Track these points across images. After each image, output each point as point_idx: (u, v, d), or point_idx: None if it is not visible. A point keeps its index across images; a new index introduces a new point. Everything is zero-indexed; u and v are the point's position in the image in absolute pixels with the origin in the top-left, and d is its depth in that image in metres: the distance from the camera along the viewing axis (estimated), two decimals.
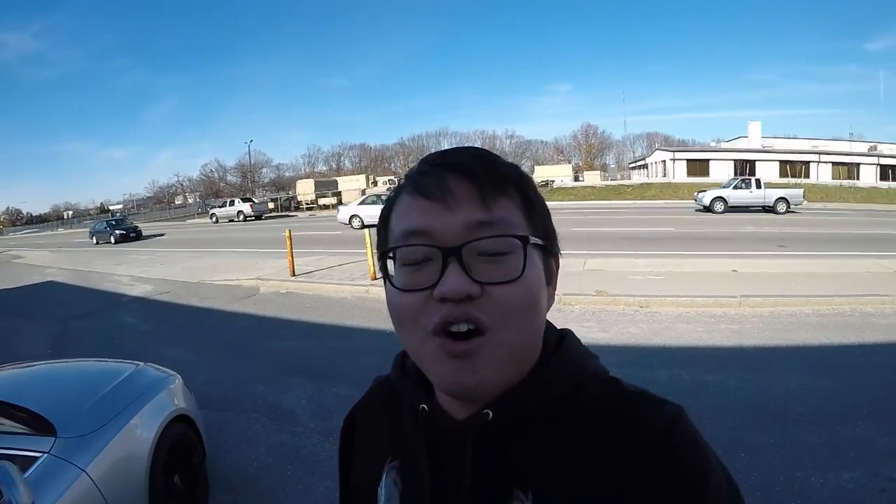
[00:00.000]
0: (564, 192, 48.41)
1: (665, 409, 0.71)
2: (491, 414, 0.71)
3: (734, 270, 10.86)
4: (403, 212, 0.73)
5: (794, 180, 48.37)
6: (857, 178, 51.04)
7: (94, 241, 36.19)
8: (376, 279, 11.22)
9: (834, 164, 53.25)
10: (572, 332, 0.82)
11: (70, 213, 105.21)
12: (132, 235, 35.06)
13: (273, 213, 52.13)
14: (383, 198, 24.40)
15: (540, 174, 65.09)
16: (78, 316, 11.03)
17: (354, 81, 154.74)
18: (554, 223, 0.80)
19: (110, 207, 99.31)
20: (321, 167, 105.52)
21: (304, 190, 59.23)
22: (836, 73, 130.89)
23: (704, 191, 31.74)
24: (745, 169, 53.57)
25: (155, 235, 36.52)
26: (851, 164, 53.23)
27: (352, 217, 26.12)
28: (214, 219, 47.07)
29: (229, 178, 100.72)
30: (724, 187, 30.54)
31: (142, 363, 4.12)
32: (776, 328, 7.38)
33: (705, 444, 0.70)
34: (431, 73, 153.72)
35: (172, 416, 3.57)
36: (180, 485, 3.55)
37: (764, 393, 5.34)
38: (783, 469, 3.95)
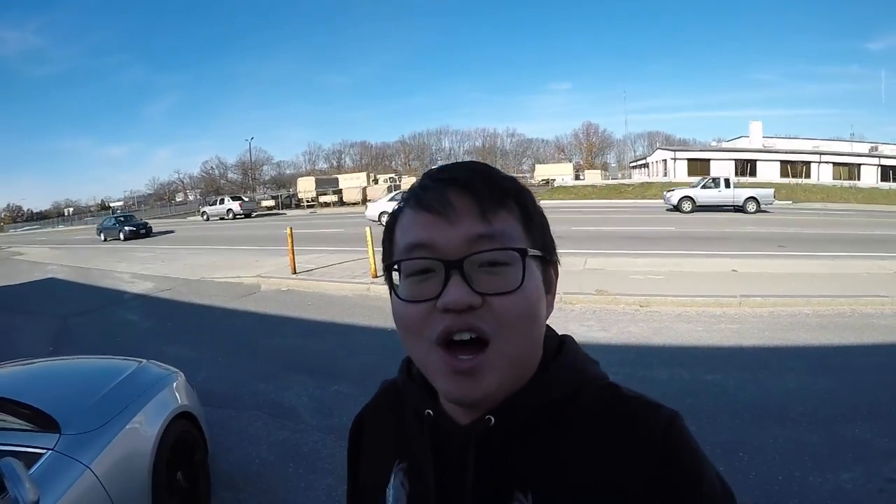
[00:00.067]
0: (565, 191, 48.41)
1: (661, 413, 0.73)
2: (493, 420, 0.73)
3: (734, 270, 10.88)
4: (407, 225, 0.76)
5: (794, 180, 48.43)
6: (858, 179, 50.97)
7: (102, 237, 35.23)
8: (377, 277, 11.23)
9: (835, 164, 53.18)
10: (572, 339, 0.84)
11: (71, 209, 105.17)
12: (142, 232, 33.99)
13: (263, 212, 52.23)
14: None
15: (541, 173, 65.11)
16: (79, 313, 11.05)
17: (355, 79, 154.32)
18: (555, 222, 0.82)
19: (111, 204, 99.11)
20: (322, 165, 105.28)
21: (305, 187, 59.21)
22: (837, 73, 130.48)
23: (673, 190, 31.76)
24: (745, 169, 53.59)
25: (165, 232, 35.86)
26: (852, 164, 53.15)
27: (381, 214, 25.30)
28: (205, 216, 47.11)
29: (230, 175, 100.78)
30: (693, 187, 30.53)
31: (144, 360, 4.13)
32: (776, 328, 7.39)
33: (699, 448, 0.72)
34: (432, 71, 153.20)
35: (175, 413, 3.58)
36: (183, 482, 3.56)
37: (763, 393, 5.36)
38: (782, 468, 3.97)
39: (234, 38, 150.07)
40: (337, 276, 12.41)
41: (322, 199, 55.08)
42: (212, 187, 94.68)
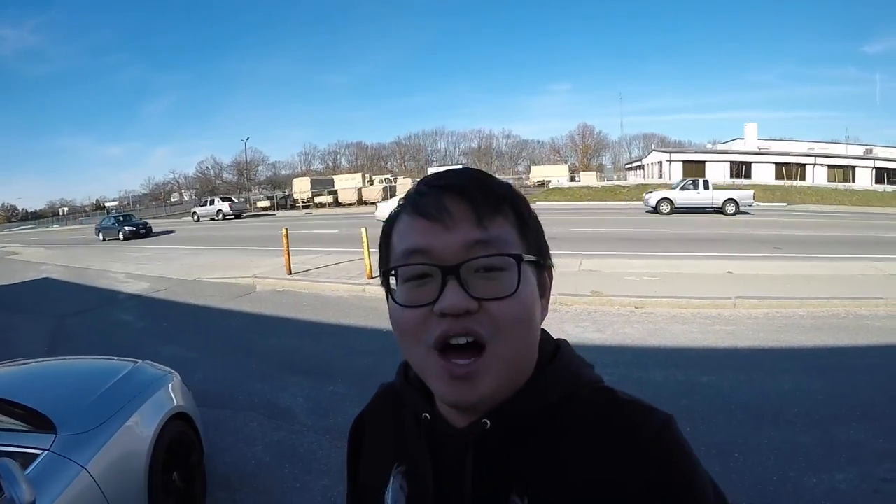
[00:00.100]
0: (561, 193, 48.43)
1: (655, 417, 0.74)
2: (489, 423, 0.74)
3: (729, 272, 10.91)
4: (404, 231, 0.77)
5: (789, 182, 48.56)
6: (853, 181, 51.14)
7: (101, 237, 34.49)
8: (373, 278, 11.24)
9: (830, 166, 53.34)
10: (567, 343, 0.85)
11: (66, 209, 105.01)
12: (142, 232, 33.24)
13: (253, 213, 52.40)
14: None
15: (536, 174, 65.16)
16: (74, 313, 11.01)
17: (351, 79, 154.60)
18: (551, 224, 0.83)
19: (106, 204, 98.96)
20: (317, 165, 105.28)
21: (301, 188, 59.23)
22: (833, 76, 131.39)
23: (651, 191, 31.96)
24: (740, 171, 53.73)
25: (165, 232, 35.36)
26: (847, 166, 53.33)
27: None
28: (196, 217, 47.07)
29: (225, 175, 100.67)
30: (673, 188, 30.65)
31: (140, 361, 4.12)
32: (771, 330, 7.41)
33: (692, 453, 0.72)
34: (428, 72, 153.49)
35: (171, 413, 3.58)
36: (179, 482, 3.56)
37: (758, 394, 5.37)
38: (777, 469, 3.98)
39: (231, 39, 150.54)
40: (332, 276, 12.40)
41: (317, 199, 55.09)
42: (207, 187, 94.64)
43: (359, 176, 62.03)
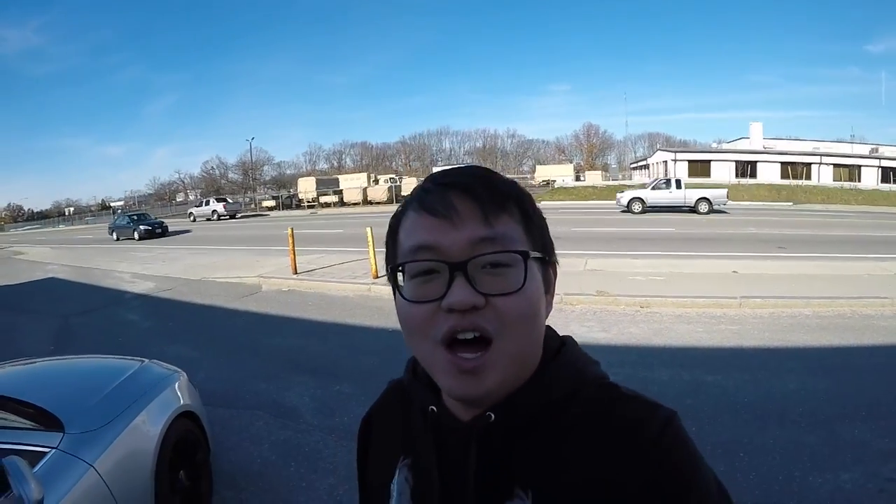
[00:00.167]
0: (566, 192, 48.43)
1: (659, 413, 0.74)
2: (493, 416, 0.75)
3: (734, 271, 10.89)
4: (411, 228, 0.77)
5: (795, 181, 48.41)
6: (859, 181, 50.96)
7: (115, 237, 33.47)
8: (378, 277, 11.26)
9: (835, 166, 53.16)
10: (573, 339, 0.86)
11: (71, 209, 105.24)
12: (158, 231, 32.19)
13: (248, 213, 53.01)
14: None
15: (541, 174, 65.10)
16: (80, 312, 11.06)
17: (355, 79, 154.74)
18: (556, 223, 0.84)
19: (111, 204, 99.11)
20: (322, 165, 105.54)
21: (306, 188, 59.26)
22: (837, 76, 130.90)
23: (623, 191, 32.20)
24: (746, 170, 53.61)
25: (180, 232, 34.44)
26: (853, 166, 53.13)
27: None
28: (192, 217, 47.20)
29: (231, 175, 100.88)
30: (644, 187, 30.93)
31: (146, 360, 4.14)
32: (776, 329, 7.40)
33: (696, 448, 0.73)
34: (433, 72, 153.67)
35: (178, 412, 3.59)
36: (185, 480, 3.57)
37: (764, 394, 5.36)
38: (782, 469, 3.98)
39: (235, 38, 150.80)
40: (338, 276, 12.42)
41: (323, 199, 55.11)
42: (212, 187, 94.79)
43: (364, 176, 62.07)
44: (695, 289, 9.35)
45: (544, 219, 0.83)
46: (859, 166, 53.06)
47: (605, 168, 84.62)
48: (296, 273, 12.81)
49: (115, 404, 3.21)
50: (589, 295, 9.19)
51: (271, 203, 59.56)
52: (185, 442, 3.61)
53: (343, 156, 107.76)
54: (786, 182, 49.25)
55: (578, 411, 0.76)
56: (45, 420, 2.87)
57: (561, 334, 0.86)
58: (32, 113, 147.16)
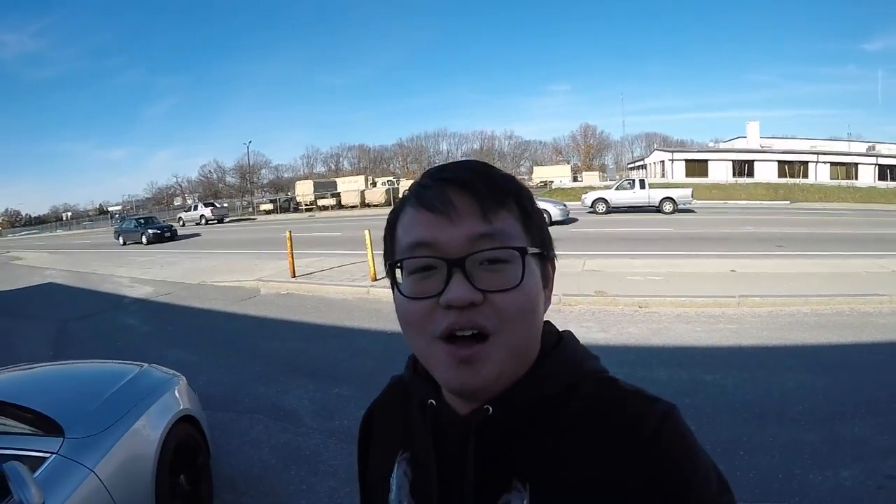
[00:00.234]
0: (563, 193, 48.36)
1: (657, 407, 0.74)
2: (490, 409, 0.75)
3: (733, 270, 10.90)
4: (409, 224, 0.78)
5: (792, 180, 48.48)
6: (856, 178, 51.05)
7: (121, 241, 32.49)
8: (377, 280, 11.26)
9: (832, 164, 53.23)
10: (572, 334, 0.86)
11: (69, 214, 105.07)
12: (167, 235, 31.04)
13: (236, 217, 53.47)
14: None
15: (539, 175, 65.22)
16: (78, 317, 11.05)
17: (353, 80, 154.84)
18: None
19: (109, 208, 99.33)
20: (320, 168, 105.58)
21: (303, 191, 59.29)
22: (834, 74, 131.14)
23: (588, 192, 32.73)
24: (743, 169, 53.66)
25: (189, 235, 33.79)
26: (850, 164, 53.21)
27: None
28: (182, 222, 46.98)
29: (228, 179, 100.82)
30: (609, 188, 31.46)
31: (146, 364, 4.15)
32: (775, 328, 7.41)
33: (695, 441, 0.73)
34: (430, 73, 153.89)
35: (178, 416, 3.59)
36: (186, 485, 3.57)
37: (762, 392, 5.37)
38: (782, 467, 3.98)
39: (232, 41, 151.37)
40: (336, 279, 12.41)
41: (320, 202, 55.10)
42: (210, 191, 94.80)
43: (361, 178, 62.15)
44: (693, 288, 9.36)
45: (543, 214, 0.83)
46: (856, 164, 53.15)
47: (602, 169, 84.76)
48: (294, 276, 12.80)
49: (115, 409, 3.22)
50: (587, 295, 9.19)
51: (269, 207, 59.56)
52: (185, 446, 3.62)
53: (340, 158, 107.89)
54: (783, 181, 49.30)
55: (577, 406, 0.76)
56: (45, 425, 2.87)
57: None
58: (29, 117, 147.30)
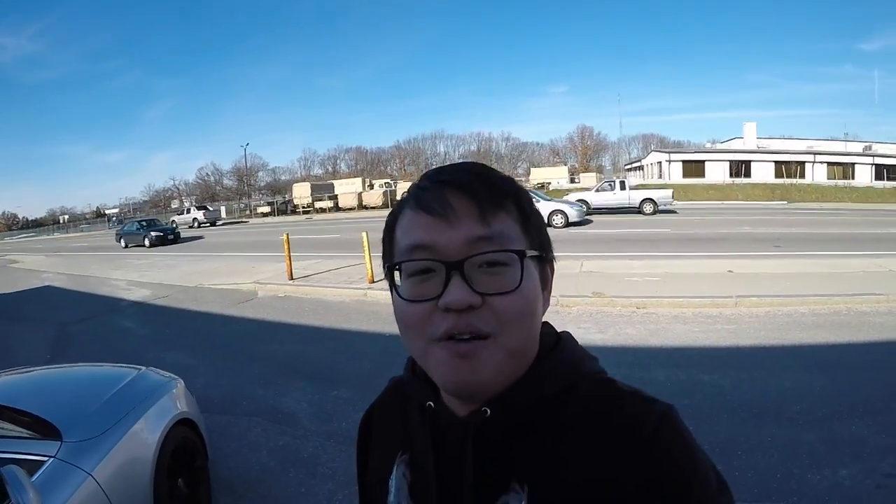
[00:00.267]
0: (560, 195, 48.37)
1: (655, 407, 0.74)
2: (489, 411, 0.75)
3: (730, 271, 10.91)
4: (408, 226, 0.77)
5: (789, 180, 48.56)
6: (853, 178, 51.18)
7: (123, 244, 31.65)
8: (374, 282, 11.26)
9: (829, 164, 53.37)
10: (570, 335, 0.86)
11: (66, 217, 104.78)
12: (170, 238, 30.53)
13: (229, 220, 53.78)
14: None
15: (536, 177, 65.13)
16: (76, 320, 11.03)
17: (349, 83, 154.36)
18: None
19: (106, 211, 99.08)
20: (317, 170, 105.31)
21: (301, 193, 59.27)
22: (831, 74, 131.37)
23: (568, 194, 33.85)
24: (740, 170, 53.76)
25: (193, 238, 33.25)
26: (847, 163, 53.35)
27: None
28: (175, 225, 47.22)
29: (226, 181, 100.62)
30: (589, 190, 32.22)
31: (143, 367, 4.13)
32: (772, 328, 7.41)
33: (694, 441, 0.72)
34: (428, 75, 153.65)
35: (175, 419, 3.58)
36: (184, 488, 3.57)
37: (760, 392, 5.38)
38: (780, 466, 3.99)
39: (230, 44, 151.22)
40: (334, 281, 12.41)
41: (318, 204, 55.13)
42: (207, 194, 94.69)
43: (359, 181, 62.17)
44: (691, 289, 9.37)
45: (541, 216, 0.82)
46: (853, 164, 53.29)
47: (599, 170, 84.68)
48: (292, 279, 12.79)
49: (113, 412, 3.21)
50: (585, 297, 9.20)
51: (266, 209, 59.57)
52: (183, 449, 3.61)
53: (338, 161, 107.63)
54: (780, 181, 49.42)
55: (576, 406, 0.76)
56: (43, 429, 2.86)
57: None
58: (26, 120, 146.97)
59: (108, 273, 17.94)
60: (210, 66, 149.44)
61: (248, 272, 14.85)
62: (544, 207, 22.31)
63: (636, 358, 6.53)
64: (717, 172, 53.72)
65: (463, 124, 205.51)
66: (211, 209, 51.41)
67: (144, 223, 33.68)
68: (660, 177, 57.97)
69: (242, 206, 66.90)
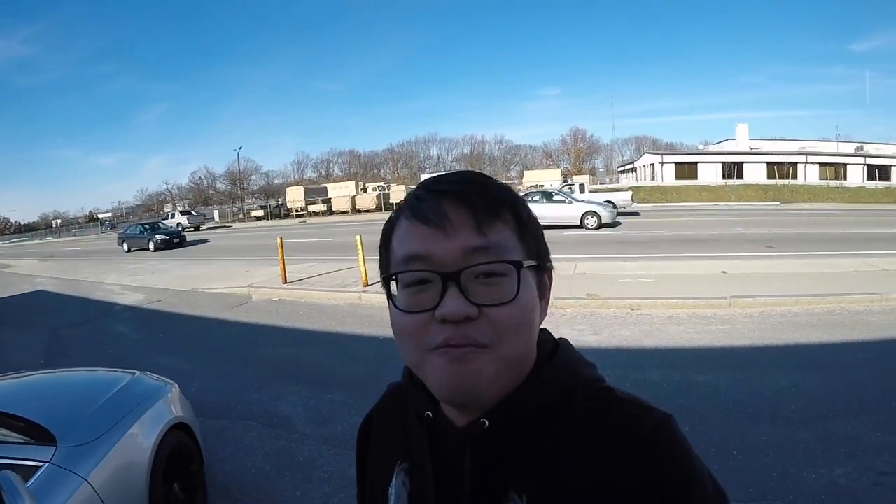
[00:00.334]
0: None
1: (653, 416, 0.74)
2: (487, 423, 0.74)
3: (723, 272, 10.94)
4: (404, 236, 0.77)
5: (781, 181, 48.76)
6: (845, 179, 51.45)
7: (126, 248, 30.64)
8: (368, 286, 11.25)
9: (821, 164, 53.64)
10: (568, 342, 0.85)
11: (59, 221, 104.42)
12: (176, 241, 29.31)
13: (213, 225, 53.79)
14: (557, 196, 23.57)
15: (529, 179, 65.09)
16: (70, 325, 10.98)
17: (343, 86, 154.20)
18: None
19: (99, 216, 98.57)
20: (310, 174, 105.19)
21: (294, 197, 59.19)
22: (822, 75, 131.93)
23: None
24: (732, 171, 53.95)
25: (198, 241, 32.30)
26: (838, 164, 53.63)
27: None
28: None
29: (219, 185, 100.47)
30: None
31: (138, 372, 4.12)
32: (766, 328, 7.44)
33: (691, 450, 0.72)
34: (421, 78, 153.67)
35: (171, 424, 3.57)
36: (179, 492, 3.56)
37: (755, 392, 5.39)
38: (776, 465, 4.00)
39: (224, 48, 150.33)
40: (328, 285, 12.39)
41: (311, 208, 55.11)
42: (200, 198, 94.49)
43: (352, 184, 62.06)
44: (684, 290, 9.40)
45: (539, 224, 0.82)
46: (845, 165, 53.58)
47: (592, 172, 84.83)
48: (286, 282, 12.78)
49: (108, 417, 3.19)
50: (579, 298, 9.21)
51: (260, 213, 59.50)
52: (178, 454, 3.60)
53: (331, 164, 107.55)
54: (772, 182, 49.61)
55: (574, 414, 0.75)
56: (37, 434, 2.85)
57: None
58: (19, 124, 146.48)
59: (101, 277, 17.86)
60: (203, 71, 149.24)
61: (241, 276, 14.81)
62: (577, 209, 22.32)
63: (631, 359, 6.53)
64: (709, 174, 53.92)
65: (456, 127, 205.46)
66: (195, 214, 51.75)
67: (148, 226, 32.49)
68: (653, 178, 58.15)
69: (236, 209, 66.68)
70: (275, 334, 9.07)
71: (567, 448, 0.73)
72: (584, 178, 60.31)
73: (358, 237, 11.96)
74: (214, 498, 4.06)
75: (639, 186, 50.37)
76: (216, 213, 66.77)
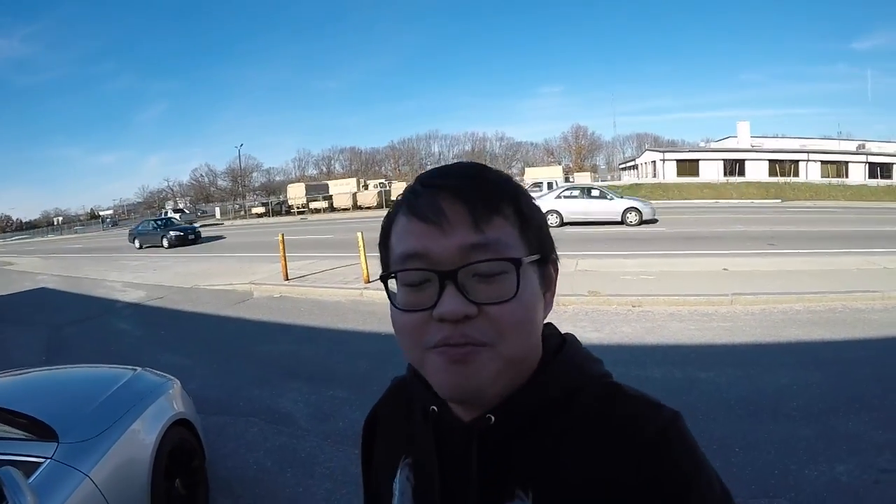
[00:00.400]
0: None
1: (661, 413, 0.72)
2: (493, 419, 0.74)
3: (725, 269, 10.93)
4: (401, 233, 0.75)
5: (783, 179, 48.70)
6: (846, 177, 51.30)
7: (137, 244, 29.70)
8: (370, 282, 11.24)
9: (823, 162, 53.47)
10: (574, 337, 0.84)
11: (60, 219, 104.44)
12: (191, 238, 28.53)
13: (207, 223, 53.76)
14: (594, 191, 23.62)
15: (530, 176, 65.07)
16: (71, 322, 11.00)
17: (345, 84, 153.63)
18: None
19: (100, 213, 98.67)
20: (311, 171, 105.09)
21: (295, 194, 59.21)
22: (824, 73, 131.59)
23: None
24: (734, 168, 53.85)
25: (213, 238, 31.48)
26: (840, 162, 53.47)
27: (548, 212, 21.58)
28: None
29: (220, 182, 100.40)
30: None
31: (139, 368, 4.12)
32: (768, 325, 7.44)
33: (697, 449, 0.71)
34: (422, 76, 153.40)
35: (172, 420, 3.57)
36: (181, 489, 3.56)
37: (756, 389, 5.39)
38: (777, 462, 4.00)
39: (225, 46, 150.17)
40: (329, 281, 12.39)
41: (312, 205, 55.12)
42: (202, 195, 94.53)
43: (353, 181, 62.05)
44: (686, 287, 9.40)
45: (542, 213, 0.80)
46: (846, 162, 53.41)
47: (593, 169, 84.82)
48: (287, 279, 12.77)
49: (110, 413, 3.20)
50: (581, 295, 9.21)
51: (261, 210, 59.50)
52: (180, 450, 3.60)
53: (332, 161, 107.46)
54: (774, 180, 49.49)
55: (580, 411, 0.74)
56: (39, 430, 2.85)
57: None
58: (20, 122, 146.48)
59: (103, 275, 17.85)
60: (204, 70, 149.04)
61: (243, 273, 14.83)
62: (618, 205, 22.20)
63: (632, 356, 6.53)
64: (711, 171, 53.81)
65: (457, 124, 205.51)
66: (187, 212, 52.50)
67: (161, 222, 31.55)
68: (654, 176, 58.05)
69: (237, 206, 66.70)
70: (276, 331, 9.08)
71: (574, 446, 0.72)
72: (585, 175, 60.46)
73: (359, 234, 11.95)
74: (216, 494, 4.07)
75: (640, 184, 50.36)
76: (217, 210, 66.77)
